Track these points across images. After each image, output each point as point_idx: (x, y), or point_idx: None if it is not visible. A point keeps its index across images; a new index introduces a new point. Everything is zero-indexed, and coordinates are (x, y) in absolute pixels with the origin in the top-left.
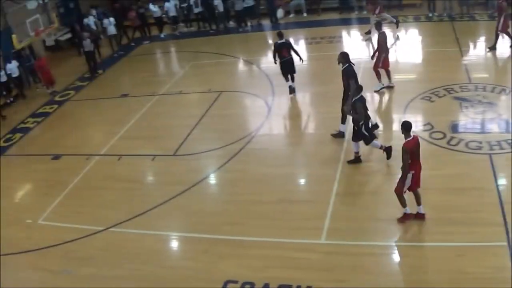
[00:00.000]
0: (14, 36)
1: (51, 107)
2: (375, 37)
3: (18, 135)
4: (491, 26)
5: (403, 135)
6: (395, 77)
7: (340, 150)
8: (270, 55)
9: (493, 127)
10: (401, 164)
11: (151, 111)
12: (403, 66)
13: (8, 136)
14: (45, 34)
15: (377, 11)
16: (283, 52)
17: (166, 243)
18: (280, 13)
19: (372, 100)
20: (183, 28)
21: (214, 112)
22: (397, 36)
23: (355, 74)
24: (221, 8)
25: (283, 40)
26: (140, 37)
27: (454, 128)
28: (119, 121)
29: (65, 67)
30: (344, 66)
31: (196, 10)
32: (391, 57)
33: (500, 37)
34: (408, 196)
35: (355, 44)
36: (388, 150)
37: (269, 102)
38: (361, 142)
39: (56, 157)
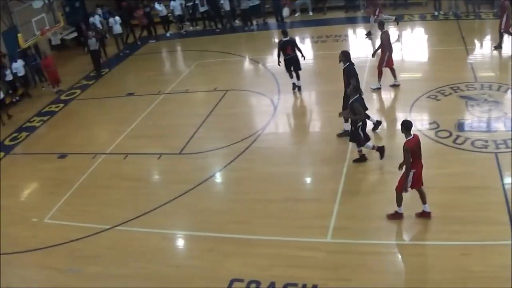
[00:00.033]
0: (19, 35)
1: (57, 106)
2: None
3: (24, 134)
4: (497, 24)
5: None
6: (401, 75)
7: (345, 149)
8: (276, 53)
9: (499, 125)
10: (398, 163)
11: (157, 110)
12: (409, 64)
13: (14, 135)
14: (50, 33)
15: (377, 12)
16: (288, 50)
17: (171, 242)
18: (285, 11)
19: (378, 98)
20: (188, 27)
21: (220, 111)
22: (398, 37)
23: (356, 73)
24: (227, 7)
25: (287, 38)
26: (146, 36)
27: (460, 126)
28: (125, 120)
29: (71, 66)
30: (345, 65)
31: (202, 9)
32: (395, 56)
33: (505, 36)
34: (413, 194)
35: (361, 43)
36: (380, 150)
37: (275, 100)
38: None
39: (62, 156)
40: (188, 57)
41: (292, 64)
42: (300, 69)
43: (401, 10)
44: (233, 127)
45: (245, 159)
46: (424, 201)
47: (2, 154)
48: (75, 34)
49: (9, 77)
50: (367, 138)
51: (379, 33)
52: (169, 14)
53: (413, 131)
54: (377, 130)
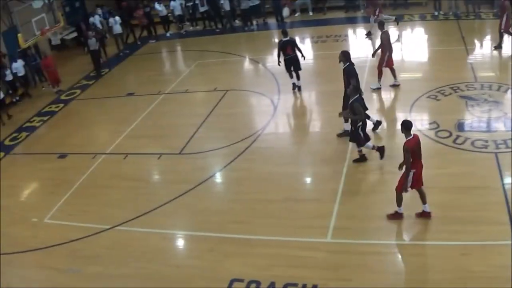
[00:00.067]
0: (19, 35)
1: (57, 106)
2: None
3: (24, 134)
4: (497, 24)
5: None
6: (401, 75)
7: (346, 149)
8: (276, 53)
9: (499, 125)
10: (398, 163)
11: (157, 110)
12: (409, 64)
13: (14, 135)
14: (50, 33)
15: (376, 12)
16: (288, 50)
17: (171, 242)
18: (285, 11)
19: (378, 98)
20: (188, 27)
21: (220, 111)
22: (397, 37)
23: (356, 73)
24: (227, 7)
25: (287, 38)
26: (146, 36)
27: (460, 126)
28: (125, 120)
29: (71, 66)
30: (345, 65)
31: (202, 9)
32: (395, 56)
33: (505, 36)
34: (413, 194)
35: (361, 43)
36: (380, 150)
37: (275, 100)
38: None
39: (62, 156)
40: (188, 57)
41: (292, 64)
42: (300, 69)
43: (401, 10)
44: (233, 127)
45: (245, 159)
46: (424, 201)
47: (2, 154)
48: (75, 34)
49: (9, 77)
50: (367, 138)
51: (379, 33)
52: (169, 14)
53: (413, 131)
54: (377, 130)
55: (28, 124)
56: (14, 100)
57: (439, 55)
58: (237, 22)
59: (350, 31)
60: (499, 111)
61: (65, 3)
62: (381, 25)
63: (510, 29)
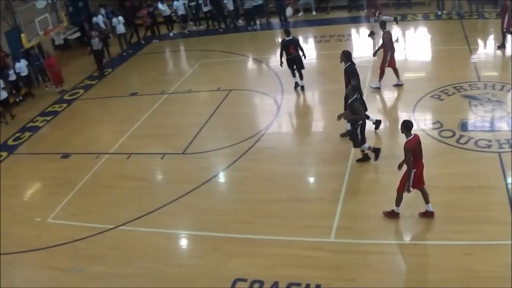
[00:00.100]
0: (23, 35)
1: (60, 106)
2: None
3: (27, 133)
4: (500, 24)
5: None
6: (404, 75)
7: (349, 149)
8: (279, 53)
9: (502, 125)
10: (397, 163)
11: (160, 110)
12: (412, 64)
13: (17, 135)
14: (54, 33)
15: (376, 14)
16: (290, 49)
17: (175, 242)
18: (289, 11)
19: (382, 98)
20: (192, 27)
21: (223, 110)
22: (397, 38)
23: (357, 73)
24: (230, 6)
25: (290, 37)
26: (150, 35)
27: (463, 126)
28: (128, 119)
29: (74, 66)
30: (346, 65)
31: (205, 9)
32: (397, 56)
33: (508, 35)
34: (415, 194)
35: (364, 42)
36: (376, 151)
37: (278, 100)
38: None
39: (65, 155)
40: (191, 56)
41: (294, 63)
42: (303, 68)
43: (405, 9)
44: (236, 127)
45: (248, 159)
46: (427, 201)
47: (5, 154)
48: (78, 34)
49: (13, 77)
50: (363, 141)
51: (382, 32)
52: (172, 14)
53: (417, 130)
54: (379, 130)
55: (31, 124)
56: (17, 100)
57: (442, 55)
58: (241, 22)
59: (353, 31)
60: (502, 110)
61: (68, 3)
62: (383, 25)
63: (511, 29)
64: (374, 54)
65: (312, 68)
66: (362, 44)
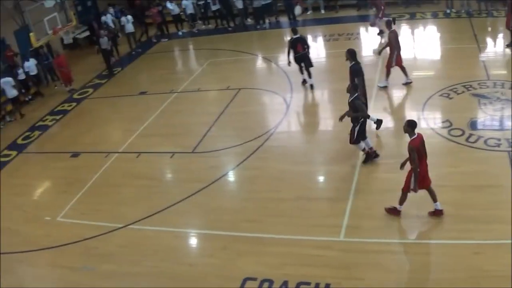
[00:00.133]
0: (32, 34)
1: (69, 105)
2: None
3: (36, 132)
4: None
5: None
6: (414, 74)
7: (358, 148)
8: (286, 52)
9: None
10: (399, 163)
11: (169, 109)
12: (421, 62)
13: (26, 133)
14: (63, 32)
15: (380, 15)
16: (298, 47)
17: (184, 240)
18: (297, 10)
19: (391, 96)
20: (200, 26)
21: (233, 109)
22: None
23: (362, 72)
24: (239, 5)
25: (297, 35)
26: (159, 34)
27: (473, 125)
28: (138, 118)
29: (83, 65)
30: (351, 64)
31: (214, 8)
32: (406, 54)
33: None
34: (424, 193)
35: (373, 41)
36: (368, 155)
37: (287, 99)
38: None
39: (75, 154)
40: (200, 55)
41: (302, 61)
42: (311, 66)
43: (413, 8)
44: (245, 125)
45: (258, 157)
46: (434, 200)
47: (15, 153)
48: (87, 33)
49: (22, 76)
50: (359, 140)
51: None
52: (181, 13)
53: (426, 129)
54: (383, 129)
55: (40, 123)
56: (26, 99)
57: (452, 53)
58: (249, 21)
59: (362, 29)
60: None
61: (77, 2)
62: (389, 24)
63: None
64: (380, 53)
65: (321, 67)
66: (371, 42)
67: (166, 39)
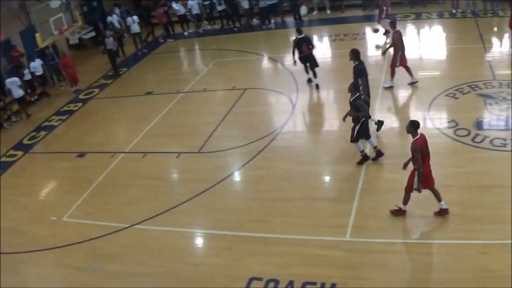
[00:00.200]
0: (37, 34)
1: (75, 105)
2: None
3: (42, 133)
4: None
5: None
6: (419, 74)
7: (364, 147)
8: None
9: None
10: (396, 163)
11: (175, 109)
12: (427, 63)
13: (32, 134)
14: (68, 33)
15: (383, 16)
16: (303, 47)
17: (190, 240)
18: (303, 10)
19: (397, 97)
20: (206, 26)
21: (238, 109)
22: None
23: (365, 72)
24: (245, 5)
25: (302, 35)
26: (165, 34)
27: (479, 125)
28: (144, 118)
29: (89, 65)
30: (355, 64)
31: (219, 8)
32: (412, 54)
33: None
34: (428, 193)
35: (379, 41)
36: (364, 158)
37: (293, 99)
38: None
39: (81, 154)
40: (206, 55)
41: (307, 61)
42: (317, 65)
43: (419, 8)
44: (251, 125)
45: (264, 157)
46: (439, 199)
47: (21, 153)
48: (93, 34)
49: (27, 77)
50: (358, 139)
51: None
52: (187, 13)
53: (432, 129)
54: (385, 130)
55: (46, 123)
56: (32, 99)
57: (457, 53)
58: (255, 21)
59: (368, 29)
60: None
61: (82, 3)
62: (393, 24)
63: None
64: (384, 53)
65: (327, 67)
66: (376, 43)
67: (172, 40)
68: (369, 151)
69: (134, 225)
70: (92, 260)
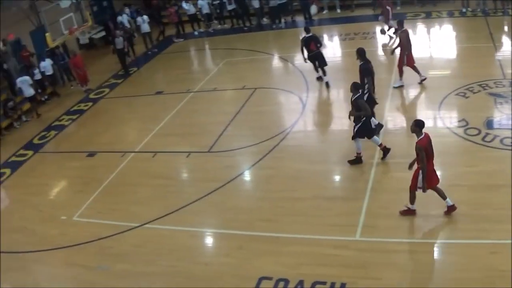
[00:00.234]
0: (47, 34)
1: (85, 104)
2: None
3: (53, 132)
4: None
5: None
6: (430, 73)
7: (374, 146)
8: (300, 50)
9: None
10: (407, 162)
11: (186, 108)
12: (437, 61)
13: (43, 133)
14: (78, 32)
15: (389, 17)
16: (311, 46)
17: (200, 240)
18: (313, 9)
19: (407, 96)
20: (216, 25)
21: (249, 109)
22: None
23: (371, 71)
24: (256, 4)
25: (310, 34)
26: (175, 34)
27: (489, 124)
28: (154, 118)
29: (99, 65)
30: (361, 63)
31: (229, 7)
32: (422, 53)
33: None
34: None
35: (387, 39)
36: (358, 159)
37: (303, 98)
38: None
39: (91, 154)
40: (216, 55)
41: (316, 59)
42: (325, 64)
43: (429, 7)
44: (261, 125)
45: (274, 157)
46: (444, 197)
47: (31, 152)
48: (103, 33)
49: (38, 76)
50: (361, 136)
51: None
52: (197, 13)
53: (442, 128)
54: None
55: (57, 122)
56: (42, 99)
57: (467, 52)
58: (265, 20)
59: (378, 29)
60: None
61: (92, 2)
62: (400, 23)
63: None
64: (392, 53)
65: (337, 66)
66: (386, 42)
67: (182, 39)
68: (378, 153)
69: (144, 224)
70: (101, 260)
